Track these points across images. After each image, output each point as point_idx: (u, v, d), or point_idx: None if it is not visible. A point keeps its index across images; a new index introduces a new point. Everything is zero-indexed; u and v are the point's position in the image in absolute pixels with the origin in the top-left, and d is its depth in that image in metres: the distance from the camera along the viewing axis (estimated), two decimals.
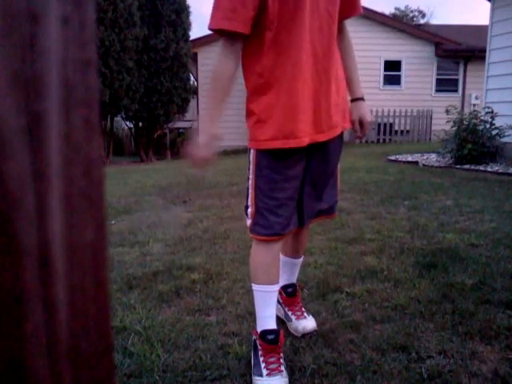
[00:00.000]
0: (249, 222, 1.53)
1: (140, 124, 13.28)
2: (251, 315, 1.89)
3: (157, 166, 10.24)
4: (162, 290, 2.20)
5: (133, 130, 13.69)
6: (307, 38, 1.36)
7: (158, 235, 3.28)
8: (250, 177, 1.50)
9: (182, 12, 12.40)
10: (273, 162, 1.45)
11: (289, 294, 1.85)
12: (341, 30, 1.55)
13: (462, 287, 2.11)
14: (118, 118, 13.53)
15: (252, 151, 1.48)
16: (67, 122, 0.21)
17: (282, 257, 1.83)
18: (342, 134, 1.57)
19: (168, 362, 1.56)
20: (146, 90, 11.96)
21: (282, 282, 1.86)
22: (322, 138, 1.47)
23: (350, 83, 1.60)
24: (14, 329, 0.21)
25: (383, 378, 1.44)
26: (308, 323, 1.77)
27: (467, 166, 6.33)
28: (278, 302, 1.86)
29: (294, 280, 1.88)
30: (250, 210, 1.51)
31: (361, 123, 1.60)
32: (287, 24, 1.34)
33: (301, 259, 1.87)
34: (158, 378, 1.47)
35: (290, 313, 1.83)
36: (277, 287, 1.59)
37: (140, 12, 11.47)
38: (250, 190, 1.50)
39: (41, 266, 0.21)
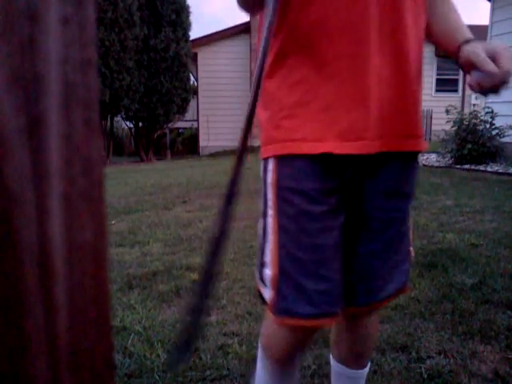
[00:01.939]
0: (268, 293, 0.86)
1: (140, 124, 13.28)
2: (251, 315, 1.89)
3: (157, 166, 10.24)
4: (161, 290, 2.20)
5: (133, 130, 13.68)
6: None
7: (158, 235, 3.28)
8: (269, 212, 0.85)
9: (182, 12, 12.40)
10: (309, 182, 0.81)
11: None
12: None
13: (461, 287, 2.11)
14: (117, 118, 13.53)
15: (270, 165, 0.85)
16: (67, 122, 0.21)
17: (333, 363, 1.12)
18: (415, 163, 0.93)
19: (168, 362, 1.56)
20: (145, 89, 11.96)
21: None
22: (377, 146, 0.83)
23: (453, 29, 0.92)
24: (14, 329, 0.21)
25: (383, 377, 1.44)
26: None
27: (467, 166, 6.34)
28: None
29: None
30: (268, 273, 0.85)
31: (493, 55, 0.81)
32: None
33: (366, 370, 1.10)
34: (158, 377, 1.47)
35: None
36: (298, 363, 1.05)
37: (140, 12, 11.47)
38: (268, 236, 0.85)
39: (41, 266, 0.21)
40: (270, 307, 0.87)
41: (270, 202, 0.85)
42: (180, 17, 12.30)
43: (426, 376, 1.45)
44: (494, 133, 6.46)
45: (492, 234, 3.00)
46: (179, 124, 15.10)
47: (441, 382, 1.42)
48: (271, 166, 0.85)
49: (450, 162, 6.80)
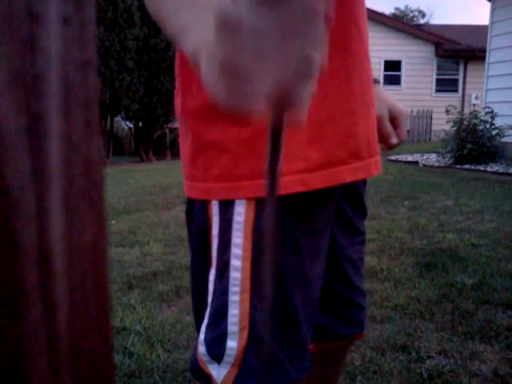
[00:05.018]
0: (223, 372, 0.64)
1: (140, 124, 13.28)
2: None
3: (157, 166, 10.24)
4: (162, 290, 2.20)
5: (133, 130, 13.68)
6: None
7: (158, 235, 3.28)
8: (234, 263, 0.63)
9: None
10: (296, 227, 0.64)
11: None
12: None
13: (462, 287, 2.11)
14: (117, 118, 13.53)
15: (238, 209, 0.62)
16: (67, 122, 0.21)
17: None
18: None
19: (168, 362, 1.56)
20: (146, 89, 11.96)
21: None
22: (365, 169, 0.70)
23: None
24: (14, 329, 0.21)
25: (383, 377, 1.44)
26: None
27: (467, 166, 6.34)
28: None
29: None
30: (233, 346, 0.63)
31: (393, 120, 0.86)
32: None
33: None
34: (158, 377, 1.47)
35: None
36: None
37: (140, 12, 11.47)
38: (234, 296, 0.63)
39: (41, 266, 0.21)
40: None
41: (238, 250, 0.62)
42: None
43: (426, 376, 1.45)
44: (493, 133, 6.46)
45: (492, 234, 3.00)
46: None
47: (441, 382, 1.42)
48: (243, 207, 0.62)
49: (450, 162, 6.80)
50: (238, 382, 0.64)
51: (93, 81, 0.22)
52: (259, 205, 0.61)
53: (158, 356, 1.60)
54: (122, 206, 4.48)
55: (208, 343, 0.66)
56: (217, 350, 0.64)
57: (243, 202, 0.62)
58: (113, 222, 3.73)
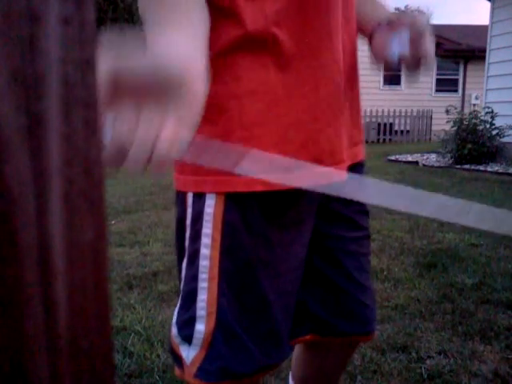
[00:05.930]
0: (193, 353, 0.69)
1: None
2: None
3: None
4: (162, 290, 2.20)
5: None
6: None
7: (158, 235, 3.28)
8: (204, 252, 0.67)
9: None
10: (266, 222, 0.67)
11: None
12: None
13: (462, 287, 2.11)
14: None
15: (208, 202, 0.66)
16: (67, 122, 0.21)
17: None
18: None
19: (168, 362, 1.56)
20: None
21: None
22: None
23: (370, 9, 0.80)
24: (14, 329, 0.21)
25: (383, 377, 1.44)
26: None
27: (467, 166, 6.34)
28: None
29: None
30: (201, 329, 0.67)
31: (414, 41, 0.69)
32: None
33: None
34: (158, 377, 1.47)
35: None
36: None
37: None
38: (203, 283, 0.67)
39: (41, 266, 0.21)
40: (189, 370, 0.69)
41: (207, 240, 0.66)
42: None
43: (426, 376, 1.45)
44: (493, 133, 6.46)
45: (492, 233, 3.00)
46: None
47: (441, 382, 1.42)
48: (213, 199, 0.66)
49: (450, 162, 6.80)
50: (205, 365, 0.68)
51: (93, 80, 0.22)
52: (228, 198, 0.65)
53: (158, 356, 1.60)
54: (122, 205, 4.48)
55: (179, 325, 0.71)
56: (187, 332, 0.69)
57: (213, 195, 0.66)
58: (113, 222, 3.73)
